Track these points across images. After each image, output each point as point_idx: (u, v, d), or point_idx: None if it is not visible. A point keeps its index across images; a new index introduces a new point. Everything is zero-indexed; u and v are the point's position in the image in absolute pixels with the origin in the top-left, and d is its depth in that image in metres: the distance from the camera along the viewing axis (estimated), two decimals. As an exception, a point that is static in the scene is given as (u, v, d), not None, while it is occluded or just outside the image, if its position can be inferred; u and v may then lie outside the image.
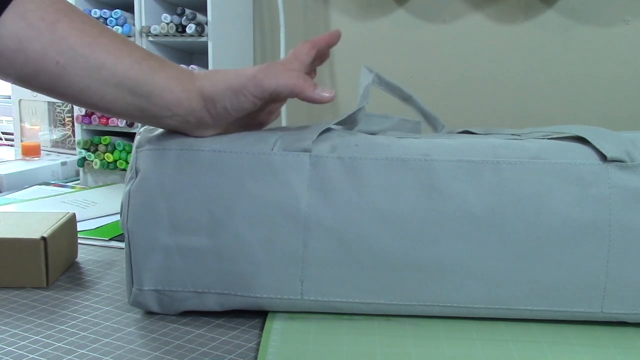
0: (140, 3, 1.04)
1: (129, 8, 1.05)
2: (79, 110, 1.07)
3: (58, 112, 1.21)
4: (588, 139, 0.53)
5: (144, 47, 1.04)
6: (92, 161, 1.07)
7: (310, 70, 0.60)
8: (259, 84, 0.52)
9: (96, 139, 1.07)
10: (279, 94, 0.53)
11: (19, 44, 0.48)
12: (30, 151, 1.18)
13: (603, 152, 0.52)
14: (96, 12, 1.04)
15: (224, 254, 0.52)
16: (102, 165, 1.07)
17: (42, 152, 1.20)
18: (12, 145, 1.34)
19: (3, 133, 1.46)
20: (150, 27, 1.03)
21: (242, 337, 0.52)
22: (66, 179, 1.14)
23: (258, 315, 0.55)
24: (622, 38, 1.01)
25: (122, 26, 1.04)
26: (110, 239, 0.77)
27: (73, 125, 1.17)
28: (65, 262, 0.67)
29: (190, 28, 1.01)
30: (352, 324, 0.53)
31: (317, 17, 1.17)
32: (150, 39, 1.04)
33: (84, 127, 1.08)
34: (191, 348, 0.50)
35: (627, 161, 0.52)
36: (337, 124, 0.59)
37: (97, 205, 0.92)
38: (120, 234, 0.78)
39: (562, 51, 1.04)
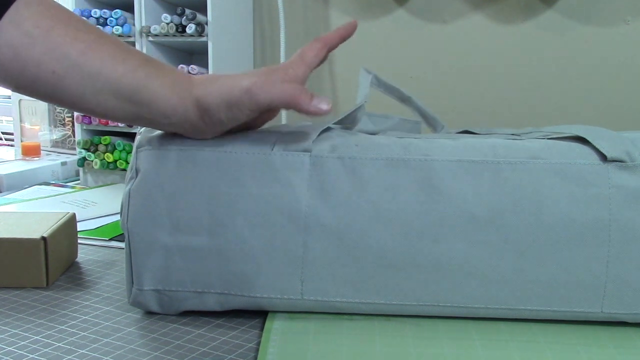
0: (140, 3, 1.04)
1: (129, 8, 1.05)
2: (79, 110, 1.07)
3: (58, 112, 1.21)
4: (588, 139, 0.53)
5: (144, 47, 1.04)
6: (92, 161, 1.07)
7: None
8: (254, 98, 0.50)
9: (96, 139, 1.07)
10: (274, 107, 0.52)
11: (15, 52, 0.48)
12: (30, 151, 1.18)
13: (603, 152, 0.52)
14: (96, 12, 1.04)
15: (224, 253, 0.52)
16: (102, 165, 1.07)
17: (42, 152, 1.20)
18: (12, 145, 1.34)
19: (3, 133, 1.46)
20: (150, 27, 1.03)
21: (242, 337, 0.52)
22: (66, 179, 1.14)
23: (258, 315, 0.55)
24: (622, 38, 1.01)
25: (122, 26, 1.04)
26: (110, 239, 0.77)
27: (73, 125, 1.17)
28: (65, 262, 0.67)
29: (190, 28, 1.01)
30: (352, 324, 0.53)
31: (317, 17, 1.17)
32: (150, 39, 1.04)
33: (84, 127, 1.08)
34: (191, 348, 0.50)
35: (627, 161, 0.52)
36: (336, 123, 0.59)
37: (97, 205, 0.92)
38: (120, 234, 0.78)
39: (562, 51, 1.04)
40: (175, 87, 0.51)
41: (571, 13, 1.03)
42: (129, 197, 0.54)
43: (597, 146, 0.52)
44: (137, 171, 0.54)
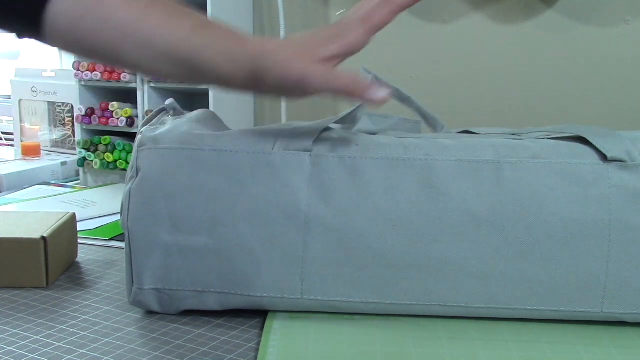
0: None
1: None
2: (78, 110, 1.07)
3: (58, 112, 1.21)
4: (588, 138, 0.53)
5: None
6: (92, 161, 1.07)
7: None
8: (308, 87, 0.49)
9: (96, 139, 1.07)
10: (328, 95, 0.51)
11: (70, 22, 0.48)
12: (30, 151, 1.18)
13: (603, 152, 0.52)
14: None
15: (224, 253, 0.52)
16: (102, 165, 1.07)
17: (42, 152, 1.20)
18: (12, 145, 1.34)
19: (3, 133, 1.46)
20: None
21: (242, 337, 0.52)
22: (66, 179, 1.14)
23: (258, 315, 0.55)
24: (622, 38, 1.01)
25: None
26: (110, 239, 0.77)
27: (73, 125, 1.17)
28: (65, 262, 0.67)
29: (190, 28, 1.01)
30: (352, 323, 0.53)
31: (317, 17, 1.17)
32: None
33: (84, 127, 1.08)
34: (191, 348, 0.50)
35: (627, 161, 0.52)
36: (336, 122, 0.59)
37: (97, 205, 0.92)
38: (120, 234, 0.78)
39: (562, 51, 1.04)
40: (230, 54, 0.50)
41: (571, 13, 1.03)
42: (130, 196, 0.54)
43: (597, 146, 0.52)
44: (137, 170, 0.54)
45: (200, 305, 0.54)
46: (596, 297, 0.52)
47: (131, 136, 1.08)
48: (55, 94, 1.19)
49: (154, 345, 0.50)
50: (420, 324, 0.53)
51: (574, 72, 1.04)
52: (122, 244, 0.69)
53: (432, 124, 0.69)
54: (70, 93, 1.11)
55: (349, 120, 0.60)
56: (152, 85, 1.02)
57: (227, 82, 0.51)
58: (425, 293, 0.52)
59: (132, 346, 0.50)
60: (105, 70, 1.03)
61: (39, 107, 1.23)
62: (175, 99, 0.63)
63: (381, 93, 0.49)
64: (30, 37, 0.51)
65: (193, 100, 1.08)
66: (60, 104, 1.20)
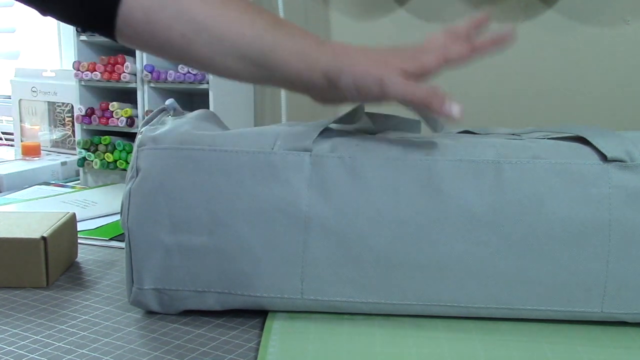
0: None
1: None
2: (78, 110, 1.07)
3: (58, 112, 1.21)
4: (588, 138, 0.53)
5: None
6: (92, 161, 1.07)
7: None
8: (385, 91, 0.50)
9: (96, 139, 1.07)
10: (401, 103, 0.52)
11: (146, 15, 0.49)
12: (30, 151, 1.18)
13: (603, 152, 0.52)
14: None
15: (224, 253, 0.52)
16: (102, 165, 1.07)
17: (42, 152, 1.20)
18: (12, 145, 1.34)
19: (3, 133, 1.46)
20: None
21: (242, 337, 0.52)
22: (66, 179, 1.14)
23: (258, 315, 0.55)
24: (622, 38, 1.01)
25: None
26: (110, 239, 0.77)
27: (73, 125, 1.17)
28: (65, 262, 0.67)
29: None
30: (352, 323, 0.53)
31: (317, 17, 1.17)
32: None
33: (84, 127, 1.08)
34: (191, 348, 0.50)
35: (627, 161, 0.52)
36: (336, 121, 0.59)
37: (97, 205, 0.92)
38: (120, 234, 0.78)
39: (562, 51, 1.04)
40: (303, 55, 0.51)
41: (571, 13, 1.03)
42: (130, 196, 0.54)
43: (597, 146, 0.52)
44: (137, 170, 0.54)
45: (200, 305, 0.54)
46: (596, 297, 0.52)
47: (131, 136, 1.08)
48: (55, 94, 1.19)
49: (154, 345, 0.50)
50: (421, 323, 0.53)
51: (574, 72, 1.04)
52: (122, 244, 0.69)
53: (432, 124, 0.69)
54: (70, 93, 1.11)
55: (348, 120, 0.60)
56: (152, 85, 1.02)
57: (298, 81, 0.52)
58: (425, 293, 0.52)
59: (132, 346, 0.50)
60: (105, 70, 1.03)
61: (39, 107, 1.23)
62: (175, 99, 0.63)
63: (457, 108, 0.51)
64: (101, 31, 0.51)
65: (193, 100, 1.08)
66: (60, 104, 1.20)
